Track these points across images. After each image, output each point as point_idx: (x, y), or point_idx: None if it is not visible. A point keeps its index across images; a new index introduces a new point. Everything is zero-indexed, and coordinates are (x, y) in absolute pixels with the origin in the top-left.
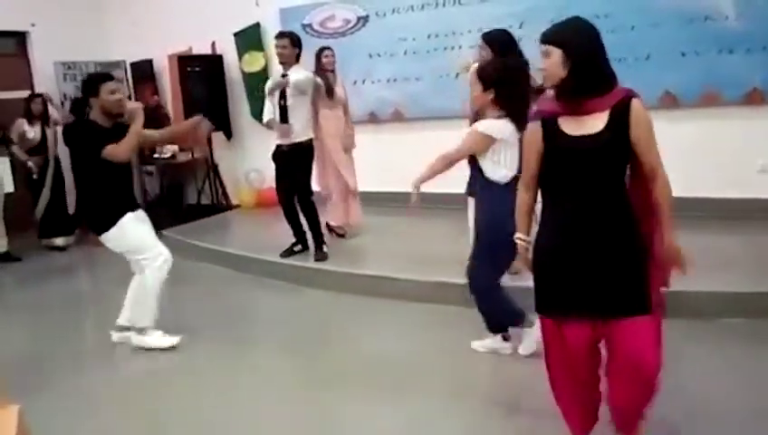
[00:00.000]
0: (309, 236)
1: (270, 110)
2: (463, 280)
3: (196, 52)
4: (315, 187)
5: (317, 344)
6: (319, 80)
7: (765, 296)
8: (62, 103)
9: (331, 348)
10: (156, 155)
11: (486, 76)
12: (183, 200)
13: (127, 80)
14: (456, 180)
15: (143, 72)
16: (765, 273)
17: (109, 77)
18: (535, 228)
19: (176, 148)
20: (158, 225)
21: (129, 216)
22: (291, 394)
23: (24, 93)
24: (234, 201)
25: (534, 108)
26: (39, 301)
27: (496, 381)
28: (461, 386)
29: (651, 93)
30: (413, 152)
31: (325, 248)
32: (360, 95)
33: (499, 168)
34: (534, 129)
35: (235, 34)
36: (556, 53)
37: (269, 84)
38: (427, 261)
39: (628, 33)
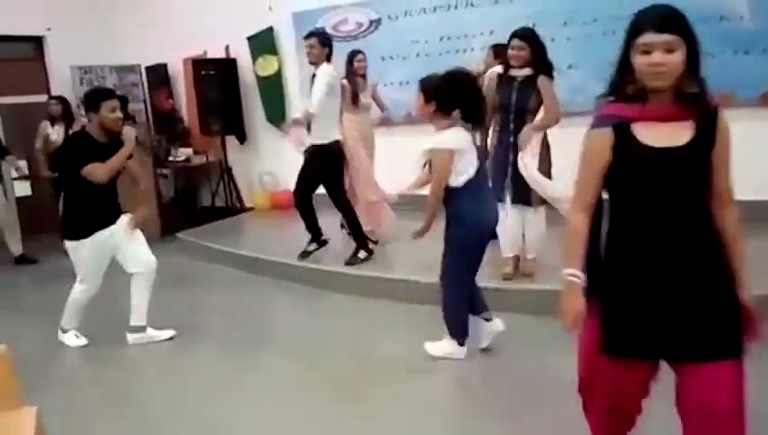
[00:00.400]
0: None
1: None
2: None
3: (210, 56)
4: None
5: (329, 347)
6: (345, 83)
7: None
8: (78, 107)
9: (343, 351)
10: (170, 158)
11: (427, 89)
12: (197, 203)
13: (142, 84)
14: None
15: (158, 76)
16: None
17: (111, 94)
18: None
19: (190, 151)
20: (173, 227)
21: (92, 239)
22: (298, 397)
23: (41, 97)
24: (248, 204)
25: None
26: (54, 302)
27: (517, 388)
28: (473, 388)
29: None
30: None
31: (361, 255)
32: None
33: (458, 175)
34: (601, 136)
35: (249, 38)
36: (681, 46)
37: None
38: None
39: None
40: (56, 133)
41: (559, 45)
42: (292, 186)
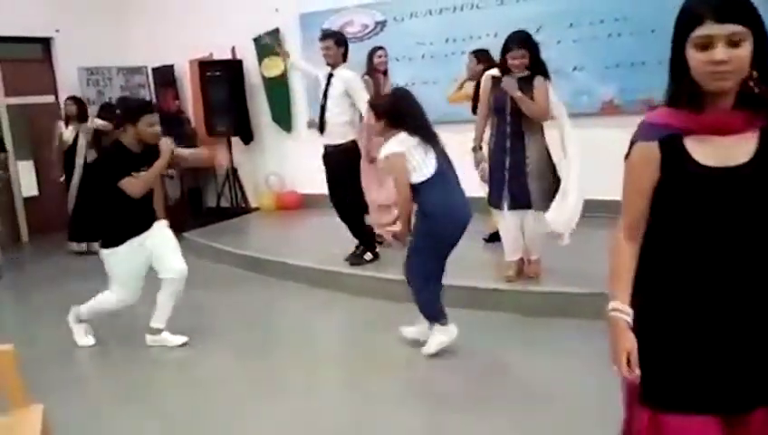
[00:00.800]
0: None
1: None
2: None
3: (216, 57)
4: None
5: (336, 347)
6: (368, 79)
7: None
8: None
9: (348, 351)
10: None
11: (377, 108)
12: (203, 203)
13: (148, 85)
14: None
15: (164, 78)
16: None
17: (150, 108)
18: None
19: None
20: (179, 227)
21: (126, 246)
22: (302, 396)
23: (49, 98)
24: (253, 204)
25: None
26: (62, 300)
27: (528, 386)
28: (474, 385)
29: None
30: None
31: (367, 256)
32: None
33: (417, 172)
34: (645, 150)
35: (255, 39)
36: (748, 37)
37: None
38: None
39: (648, 35)
40: (70, 133)
41: (564, 47)
42: (297, 187)
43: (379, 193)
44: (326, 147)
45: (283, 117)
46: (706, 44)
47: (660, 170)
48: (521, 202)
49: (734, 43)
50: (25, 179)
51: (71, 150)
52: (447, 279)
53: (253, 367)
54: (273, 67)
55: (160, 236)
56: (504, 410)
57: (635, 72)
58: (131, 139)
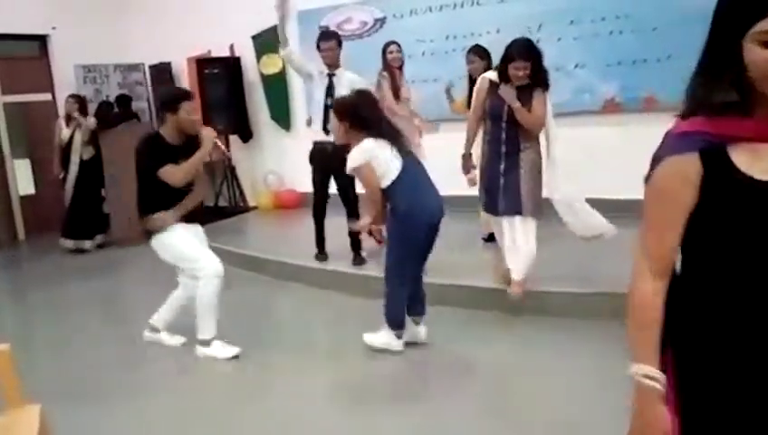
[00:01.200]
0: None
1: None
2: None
3: (214, 54)
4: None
5: (334, 348)
6: (385, 74)
7: None
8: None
9: (347, 352)
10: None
11: (339, 109)
12: (201, 202)
13: (146, 83)
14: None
15: (162, 75)
16: None
17: (189, 96)
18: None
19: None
20: None
21: (178, 225)
22: (302, 396)
23: (45, 96)
24: (251, 203)
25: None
26: (60, 299)
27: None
28: (485, 395)
29: (674, 94)
30: (431, 153)
31: (364, 254)
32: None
33: (385, 177)
34: (683, 166)
35: (254, 37)
36: None
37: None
38: (446, 264)
39: (649, 33)
40: (67, 130)
41: (565, 44)
42: (296, 185)
43: None
44: (327, 144)
45: (281, 115)
46: None
47: (701, 189)
48: (511, 208)
49: None
50: (22, 178)
51: (68, 148)
52: (448, 279)
53: (250, 366)
54: (272, 65)
55: (202, 235)
56: (505, 412)
57: (636, 70)
58: (171, 129)
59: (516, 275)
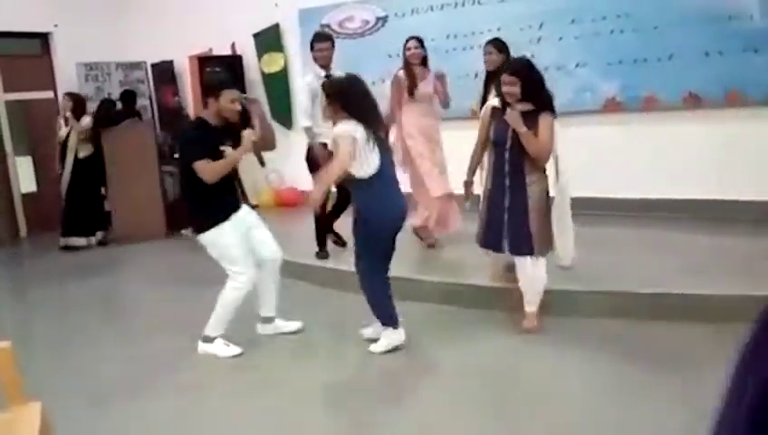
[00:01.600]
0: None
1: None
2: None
3: (216, 53)
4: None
5: (334, 346)
6: (401, 74)
7: None
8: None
9: (347, 351)
10: (175, 155)
11: (331, 90)
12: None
13: (148, 81)
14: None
15: (164, 73)
16: None
17: (232, 83)
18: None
19: None
20: (178, 225)
21: (230, 222)
22: (302, 397)
23: (47, 94)
24: (253, 201)
25: None
26: (62, 298)
27: (516, 389)
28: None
29: (675, 94)
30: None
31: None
32: (378, 97)
33: (362, 165)
34: None
35: (255, 35)
36: None
37: (312, 88)
38: (442, 263)
39: (650, 32)
40: (65, 129)
41: (566, 44)
42: (297, 183)
43: (431, 188)
44: (324, 144)
45: (282, 113)
46: None
47: None
48: (521, 248)
49: None
50: (24, 175)
51: (65, 146)
52: (449, 277)
53: (254, 366)
54: (273, 63)
55: (254, 217)
56: (510, 413)
57: (637, 70)
58: (213, 114)
59: (530, 306)
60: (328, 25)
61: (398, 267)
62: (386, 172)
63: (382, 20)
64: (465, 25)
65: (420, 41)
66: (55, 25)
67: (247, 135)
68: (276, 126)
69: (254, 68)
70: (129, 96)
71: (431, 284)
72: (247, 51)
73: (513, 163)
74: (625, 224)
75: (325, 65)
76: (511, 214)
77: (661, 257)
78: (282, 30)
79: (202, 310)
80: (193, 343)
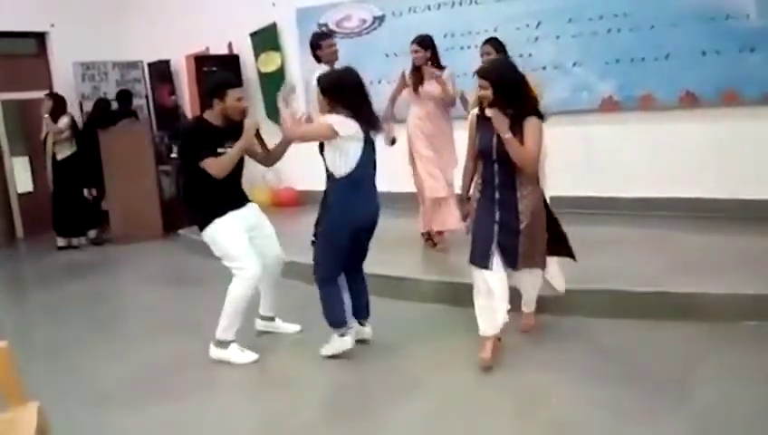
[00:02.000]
0: None
1: None
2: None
3: (213, 52)
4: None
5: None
6: (406, 72)
7: None
8: (81, 104)
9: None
10: (172, 154)
11: (325, 84)
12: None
13: (144, 80)
14: None
15: (160, 73)
16: None
17: (238, 83)
18: None
19: None
20: (175, 224)
21: (228, 218)
22: (301, 396)
23: (44, 94)
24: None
25: None
26: (56, 299)
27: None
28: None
29: (671, 92)
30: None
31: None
32: (377, 95)
33: (337, 163)
34: None
35: (252, 35)
36: None
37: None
38: (438, 262)
39: (647, 32)
40: (44, 129)
41: (564, 42)
42: (293, 183)
43: (431, 187)
44: None
45: (277, 113)
46: None
47: None
48: (511, 261)
49: None
50: (20, 175)
51: (44, 147)
52: (452, 277)
53: (249, 366)
54: (270, 62)
55: (260, 217)
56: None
57: (634, 69)
58: (216, 115)
59: (527, 306)
60: (326, 25)
61: (397, 267)
62: (360, 175)
63: (379, 19)
64: (462, 24)
65: (422, 43)
66: (52, 25)
67: (249, 124)
68: (273, 126)
69: (250, 67)
70: (124, 96)
71: (428, 283)
72: (244, 50)
73: (502, 175)
74: (621, 223)
75: (333, 61)
76: (501, 229)
77: (658, 256)
78: (279, 29)
79: (201, 310)
80: (192, 343)
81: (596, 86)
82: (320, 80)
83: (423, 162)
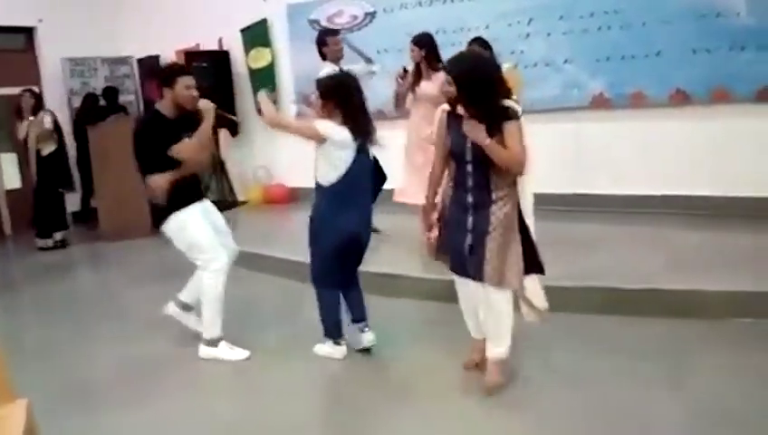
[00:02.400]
0: None
1: None
2: None
3: (203, 48)
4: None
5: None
6: (406, 69)
7: None
8: (69, 99)
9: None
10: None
11: (323, 88)
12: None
13: (134, 75)
14: None
15: (150, 68)
16: None
17: (186, 71)
18: None
19: None
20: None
21: (193, 209)
22: (295, 396)
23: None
24: (241, 198)
25: None
26: (45, 297)
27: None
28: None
29: (662, 90)
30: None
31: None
32: (368, 91)
33: (327, 170)
34: None
35: (242, 30)
36: None
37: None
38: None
39: (638, 29)
40: (24, 127)
41: (555, 40)
42: (285, 180)
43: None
44: None
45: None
46: None
47: None
48: (482, 274)
49: None
50: (8, 172)
51: (25, 145)
52: (443, 275)
53: (242, 364)
54: (260, 58)
55: (215, 211)
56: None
57: (625, 66)
58: (168, 104)
59: (494, 350)
60: (317, 21)
61: (395, 265)
62: (346, 185)
63: (371, 15)
64: (453, 21)
65: (417, 42)
66: (40, 20)
67: (206, 105)
68: (262, 122)
69: (241, 63)
70: (111, 92)
71: (427, 281)
72: (235, 46)
73: (476, 177)
74: (612, 220)
75: (340, 58)
76: (474, 236)
77: (650, 253)
78: (269, 25)
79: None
80: (179, 338)
81: (587, 83)
82: (318, 83)
83: (408, 167)
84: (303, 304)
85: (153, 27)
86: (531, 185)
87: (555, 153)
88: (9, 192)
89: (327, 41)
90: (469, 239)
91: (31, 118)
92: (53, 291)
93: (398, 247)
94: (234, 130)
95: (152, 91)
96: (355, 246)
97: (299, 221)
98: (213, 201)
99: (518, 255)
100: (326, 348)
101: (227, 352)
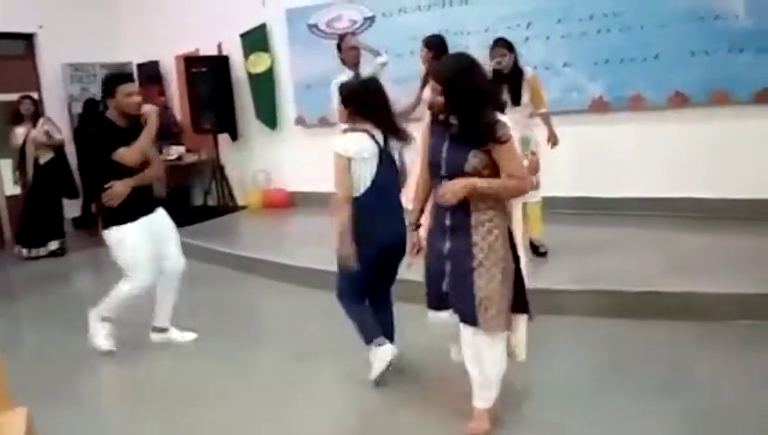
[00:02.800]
0: None
1: None
2: None
3: (202, 53)
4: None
5: (322, 348)
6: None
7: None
8: (69, 105)
9: (335, 352)
10: (162, 156)
11: (345, 94)
12: (189, 202)
13: (133, 81)
14: None
15: (150, 74)
16: None
17: (126, 78)
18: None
19: (182, 149)
20: None
21: (136, 225)
22: (294, 397)
23: (32, 96)
24: (240, 202)
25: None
26: (51, 302)
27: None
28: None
29: (661, 93)
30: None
31: None
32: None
33: (356, 185)
34: None
35: (242, 35)
36: None
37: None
38: None
39: (637, 32)
40: (21, 134)
41: (553, 43)
42: (284, 184)
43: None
44: None
45: (267, 114)
46: None
47: None
48: (464, 314)
49: None
50: (8, 178)
51: (22, 152)
52: None
53: (240, 368)
54: (260, 63)
55: (166, 223)
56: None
57: (624, 69)
58: (115, 113)
59: (481, 399)
60: (315, 25)
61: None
62: (375, 195)
63: (370, 20)
64: (452, 25)
65: (427, 43)
66: (40, 26)
67: (149, 109)
68: (261, 127)
69: (240, 68)
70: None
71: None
72: (234, 51)
73: None
74: (611, 223)
75: (356, 65)
76: (453, 264)
77: (649, 256)
78: (269, 30)
79: (188, 311)
80: (179, 343)
81: (586, 87)
82: (341, 89)
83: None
84: (302, 309)
85: (153, 33)
86: (519, 205)
87: (554, 156)
88: (9, 198)
89: (340, 45)
90: (448, 267)
91: (31, 126)
92: (53, 297)
93: None
94: (233, 134)
95: (152, 97)
96: (392, 255)
97: (299, 226)
98: (200, 206)
99: (510, 290)
100: (376, 365)
101: (101, 337)
